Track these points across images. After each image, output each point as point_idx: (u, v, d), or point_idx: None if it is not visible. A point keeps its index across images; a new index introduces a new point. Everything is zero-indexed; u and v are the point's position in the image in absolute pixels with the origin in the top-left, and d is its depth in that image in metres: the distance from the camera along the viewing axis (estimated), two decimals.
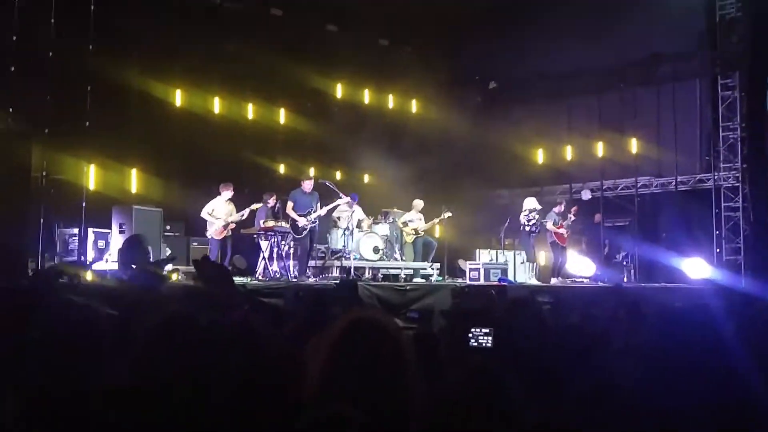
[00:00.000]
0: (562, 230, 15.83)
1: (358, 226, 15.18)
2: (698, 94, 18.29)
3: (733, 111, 17.36)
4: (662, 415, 2.66)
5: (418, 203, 16.31)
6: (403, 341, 2.48)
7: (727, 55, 17.29)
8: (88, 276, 10.49)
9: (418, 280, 15.00)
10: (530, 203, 15.69)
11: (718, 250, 17.15)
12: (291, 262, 13.52)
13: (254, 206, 13.59)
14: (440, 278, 15.77)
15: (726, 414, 2.90)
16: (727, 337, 3.89)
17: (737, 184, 17.19)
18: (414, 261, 15.87)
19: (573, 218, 16.02)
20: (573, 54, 18.54)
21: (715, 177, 17.53)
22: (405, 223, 16.14)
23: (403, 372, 2.40)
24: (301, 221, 13.28)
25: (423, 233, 16.14)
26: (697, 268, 15.73)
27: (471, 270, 15.39)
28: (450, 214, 16.10)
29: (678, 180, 18.09)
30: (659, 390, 2.87)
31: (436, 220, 16.21)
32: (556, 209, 16.02)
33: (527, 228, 15.51)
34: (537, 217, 15.47)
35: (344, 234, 14.61)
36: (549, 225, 15.74)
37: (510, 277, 15.26)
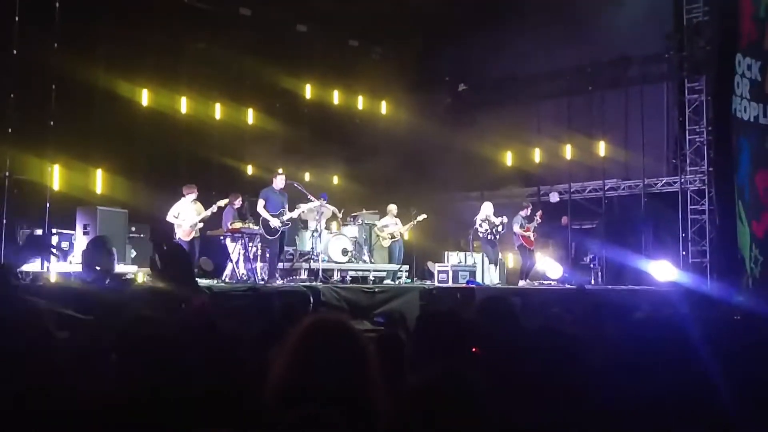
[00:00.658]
0: (528, 233, 15.86)
1: (329, 222, 15.13)
2: (666, 98, 18.45)
3: (699, 114, 17.52)
4: (631, 415, 2.65)
5: (393, 208, 16.21)
6: (366, 343, 2.47)
7: (694, 59, 17.45)
8: (52, 278, 10.35)
9: (389, 282, 14.96)
10: (486, 209, 15.64)
11: (684, 253, 17.30)
12: (258, 265, 13.38)
13: (221, 203, 13.38)
14: (409, 280, 15.75)
15: (689, 411, 2.91)
16: (692, 339, 3.90)
17: (703, 188, 17.35)
18: (393, 264, 15.81)
19: (539, 221, 16.04)
20: (542, 57, 18.67)
21: (682, 180, 17.69)
22: (382, 228, 16.07)
23: (366, 374, 2.37)
24: (274, 222, 13.11)
25: (399, 237, 16.07)
26: (663, 270, 15.86)
27: (439, 272, 15.38)
28: (424, 216, 16.03)
29: (645, 183, 18.23)
30: (627, 391, 2.87)
31: (413, 223, 16.12)
32: (522, 212, 16.02)
33: (480, 234, 15.55)
34: (488, 227, 15.41)
35: (312, 236, 14.52)
36: (516, 228, 15.76)
37: (478, 279, 15.28)
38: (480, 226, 15.44)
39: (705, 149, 17.35)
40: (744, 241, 16.81)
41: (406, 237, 16.38)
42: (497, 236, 15.58)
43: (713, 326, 4.33)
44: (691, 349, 3.72)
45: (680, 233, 17.37)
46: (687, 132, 17.70)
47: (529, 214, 16.04)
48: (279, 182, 13.47)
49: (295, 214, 13.61)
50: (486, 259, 15.87)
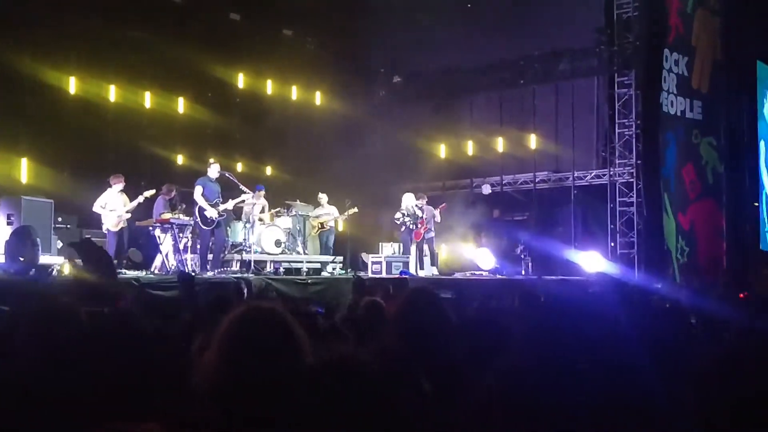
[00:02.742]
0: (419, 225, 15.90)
1: (262, 213, 14.99)
2: (596, 92, 18.75)
3: (628, 108, 17.83)
4: (561, 408, 2.65)
5: (323, 197, 16.13)
6: (298, 332, 2.44)
7: (623, 54, 17.76)
8: None
9: (326, 273, 14.89)
10: (407, 200, 15.66)
11: (612, 244, 17.65)
12: (189, 256, 13.19)
13: (147, 193, 13.11)
14: (343, 271, 15.70)
15: (619, 401, 2.94)
16: (619, 328, 3.95)
17: (632, 180, 17.67)
18: (326, 254, 15.70)
19: (437, 213, 15.96)
20: (476, 50, 18.80)
21: (611, 173, 18.01)
22: (316, 218, 15.95)
23: (298, 362, 2.34)
24: (211, 212, 12.86)
25: (329, 227, 15.99)
26: (592, 261, 16.16)
27: (373, 263, 15.39)
28: (356, 210, 15.98)
29: (575, 175, 18.53)
30: (557, 384, 2.88)
31: (346, 215, 16.04)
32: (418, 202, 15.93)
33: (397, 224, 15.59)
34: (408, 219, 15.43)
35: (245, 227, 14.37)
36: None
37: (412, 270, 15.32)
38: (400, 217, 15.47)
39: (633, 142, 17.67)
40: (670, 232, 17.26)
41: (340, 228, 16.33)
42: (414, 228, 15.57)
43: (641, 314, 4.42)
44: (620, 338, 3.79)
45: (609, 225, 17.71)
46: (616, 125, 17.99)
47: (424, 205, 15.94)
48: (213, 171, 13.24)
49: (230, 206, 13.41)
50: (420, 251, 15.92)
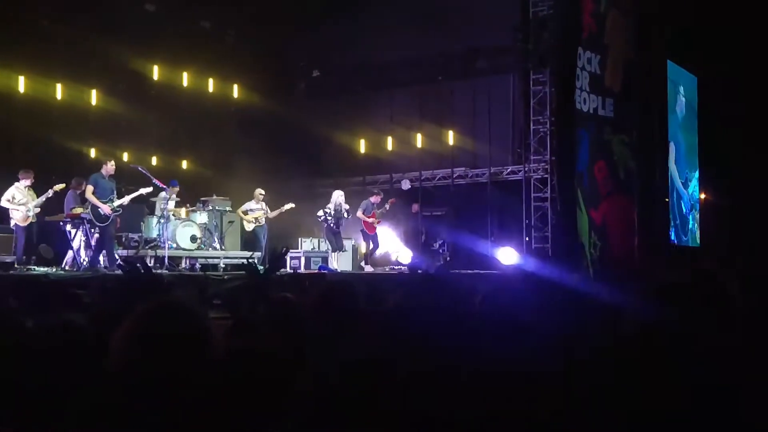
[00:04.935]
0: (372, 219, 16.02)
1: (177, 208, 14.72)
2: (512, 89, 19.01)
3: (543, 105, 18.14)
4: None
5: (259, 192, 15.72)
6: (208, 327, 2.41)
7: (538, 51, 18.04)
8: None
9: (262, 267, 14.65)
10: (336, 197, 15.70)
11: (527, 239, 17.95)
12: (83, 251, 12.82)
13: (56, 187, 12.73)
14: (261, 267, 15.52)
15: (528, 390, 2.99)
16: (530, 321, 4.02)
17: (546, 176, 17.98)
18: (256, 250, 15.39)
19: (387, 208, 16.27)
20: (395, 45, 18.85)
21: (526, 169, 18.31)
22: (245, 212, 15.64)
23: (206, 355, 2.31)
24: (105, 208, 12.52)
25: (262, 223, 15.69)
26: (508, 255, 16.40)
27: (292, 258, 15.32)
28: (292, 206, 15.74)
29: (491, 171, 18.79)
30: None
31: (281, 210, 15.75)
32: (372, 198, 16.22)
33: (320, 220, 15.62)
34: (330, 218, 15.46)
35: (159, 222, 14.08)
36: (359, 213, 15.92)
37: (331, 265, 15.31)
38: (325, 213, 15.46)
39: (548, 139, 17.99)
40: (583, 227, 17.61)
41: (262, 223, 16.09)
42: (341, 224, 15.60)
43: (554, 308, 4.50)
44: (530, 331, 3.86)
45: (524, 220, 18.01)
46: (531, 122, 18.29)
47: (379, 201, 16.21)
48: (108, 168, 12.83)
49: (126, 200, 13.01)
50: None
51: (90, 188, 12.53)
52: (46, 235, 13.53)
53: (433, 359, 3.10)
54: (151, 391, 2.19)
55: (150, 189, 13.37)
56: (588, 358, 3.21)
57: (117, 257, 12.65)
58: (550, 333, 3.54)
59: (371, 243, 16.17)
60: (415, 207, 18.60)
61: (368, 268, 15.75)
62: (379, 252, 16.89)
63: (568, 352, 3.09)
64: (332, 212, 15.43)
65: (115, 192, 12.73)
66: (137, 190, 13.11)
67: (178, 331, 2.34)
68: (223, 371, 2.23)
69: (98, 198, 12.47)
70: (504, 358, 2.80)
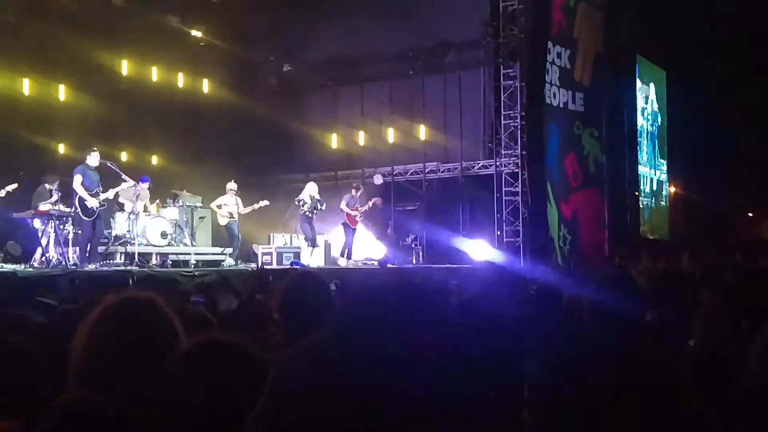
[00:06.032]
0: (355, 212, 16.01)
1: (144, 210, 14.57)
2: (482, 83, 19.06)
3: (513, 100, 18.19)
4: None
5: (232, 185, 15.47)
6: (175, 321, 2.41)
7: (509, 46, 18.11)
8: None
9: (230, 261, 14.61)
10: (310, 189, 15.65)
11: (498, 233, 18.03)
12: (71, 248, 12.70)
13: (9, 187, 12.37)
14: (233, 262, 15.47)
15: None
16: (502, 316, 4.07)
17: (517, 170, 18.03)
18: (230, 245, 15.25)
19: (370, 206, 16.28)
20: (366, 40, 18.85)
21: (497, 163, 18.37)
22: (219, 206, 15.45)
23: (171, 350, 2.31)
24: (92, 202, 12.27)
25: (236, 218, 15.48)
26: (479, 249, 16.48)
27: (264, 254, 15.26)
28: (267, 203, 15.60)
29: (463, 166, 18.85)
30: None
31: (254, 207, 15.58)
32: (353, 192, 16.23)
33: (300, 212, 15.59)
34: (309, 206, 15.43)
35: (129, 218, 13.90)
36: (342, 205, 15.92)
37: (304, 260, 15.26)
38: (302, 204, 15.41)
39: (519, 133, 18.06)
40: (553, 221, 17.78)
41: (235, 218, 15.93)
42: (314, 215, 15.55)
43: (524, 300, 4.55)
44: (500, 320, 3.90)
45: (495, 214, 18.08)
46: (502, 117, 18.35)
47: (358, 196, 16.19)
48: (93, 159, 12.49)
49: (110, 195, 12.89)
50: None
51: (78, 178, 12.14)
52: (14, 231, 13.34)
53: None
54: (113, 386, 2.18)
55: (131, 183, 13.16)
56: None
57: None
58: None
59: (351, 236, 16.12)
60: (378, 200, 18.01)
61: (342, 262, 15.74)
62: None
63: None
64: (308, 201, 15.38)
65: (100, 185, 12.50)
66: (119, 185, 12.98)
67: (140, 327, 2.35)
68: (186, 366, 2.23)
69: (86, 190, 12.23)
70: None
